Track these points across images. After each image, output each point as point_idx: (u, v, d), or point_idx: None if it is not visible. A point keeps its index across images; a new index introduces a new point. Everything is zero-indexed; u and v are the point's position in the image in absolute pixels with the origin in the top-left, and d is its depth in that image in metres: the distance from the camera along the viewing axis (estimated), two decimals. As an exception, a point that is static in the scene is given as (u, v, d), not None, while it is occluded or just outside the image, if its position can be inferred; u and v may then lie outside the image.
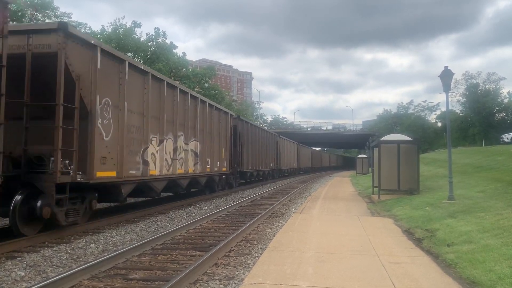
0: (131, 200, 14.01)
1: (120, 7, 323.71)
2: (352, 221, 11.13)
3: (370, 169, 35.57)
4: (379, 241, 8.26)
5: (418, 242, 8.20)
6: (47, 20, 31.74)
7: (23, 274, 5.97)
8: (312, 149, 74.51)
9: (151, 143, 12.04)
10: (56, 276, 5.39)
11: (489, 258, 6.15)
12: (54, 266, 6.43)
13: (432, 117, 74.37)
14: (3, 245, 7.27)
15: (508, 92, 63.30)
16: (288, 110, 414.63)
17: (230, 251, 7.45)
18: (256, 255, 7.14)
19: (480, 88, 62.93)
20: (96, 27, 70.44)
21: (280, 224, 10.50)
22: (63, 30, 8.29)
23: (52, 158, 8.15)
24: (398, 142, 16.86)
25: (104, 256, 6.53)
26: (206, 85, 44.50)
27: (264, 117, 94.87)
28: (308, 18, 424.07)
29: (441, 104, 71.71)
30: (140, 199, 15.41)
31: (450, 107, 46.17)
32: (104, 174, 9.59)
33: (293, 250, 7.30)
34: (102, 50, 9.53)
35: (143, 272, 6.10)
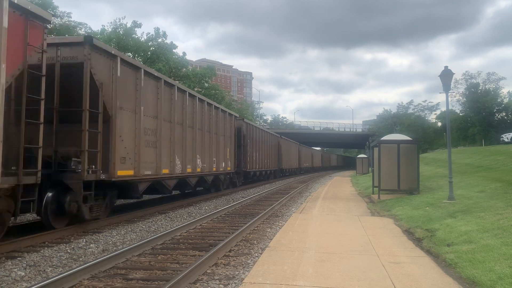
0: (131, 200, 14.04)
1: (120, 7, 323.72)
2: (352, 221, 11.12)
3: (370, 169, 35.57)
4: (379, 241, 8.26)
5: (418, 242, 8.20)
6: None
7: (23, 274, 5.97)
8: (313, 149, 74.59)
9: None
10: (56, 276, 5.39)
11: (489, 258, 6.14)
12: (54, 266, 6.44)
13: (432, 117, 74.13)
14: (3, 245, 7.28)
15: (508, 92, 62.95)
16: (288, 110, 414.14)
17: (230, 251, 7.46)
18: (256, 255, 7.14)
19: (480, 88, 62.74)
20: (95, 27, 70.35)
21: (280, 224, 10.50)
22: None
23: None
24: (398, 142, 16.85)
25: (104, 256, 6.54)
26: (206, 85, 44.43)
27: (264, 117, 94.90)
28: (308, 18, 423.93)
29: (441, 104, 71.48)
30: (140, 199, 15.41)
31: (450, 107, 46.11)
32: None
33: (293, 250, 7.30)
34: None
35: (143, 272, 6.10)
